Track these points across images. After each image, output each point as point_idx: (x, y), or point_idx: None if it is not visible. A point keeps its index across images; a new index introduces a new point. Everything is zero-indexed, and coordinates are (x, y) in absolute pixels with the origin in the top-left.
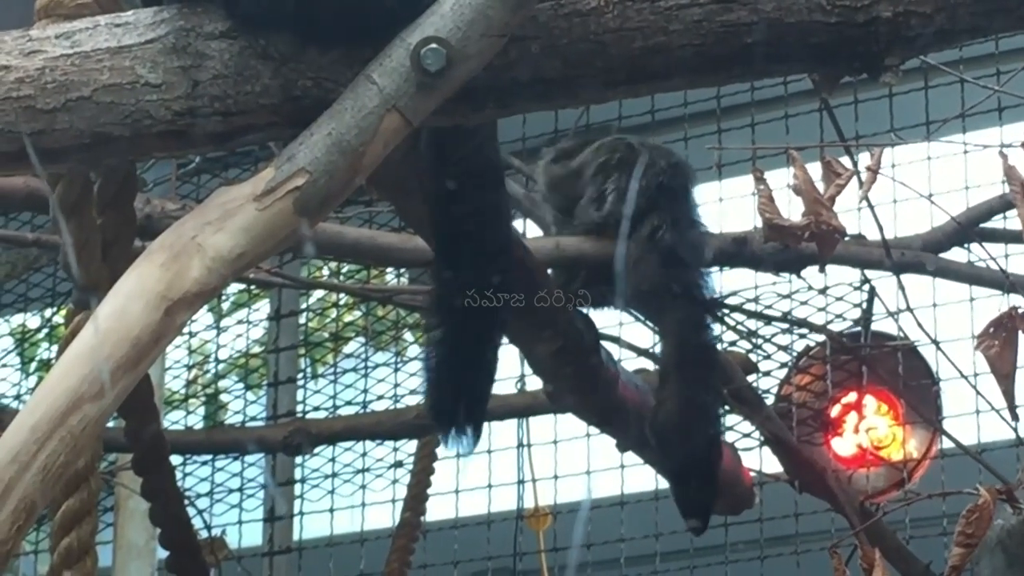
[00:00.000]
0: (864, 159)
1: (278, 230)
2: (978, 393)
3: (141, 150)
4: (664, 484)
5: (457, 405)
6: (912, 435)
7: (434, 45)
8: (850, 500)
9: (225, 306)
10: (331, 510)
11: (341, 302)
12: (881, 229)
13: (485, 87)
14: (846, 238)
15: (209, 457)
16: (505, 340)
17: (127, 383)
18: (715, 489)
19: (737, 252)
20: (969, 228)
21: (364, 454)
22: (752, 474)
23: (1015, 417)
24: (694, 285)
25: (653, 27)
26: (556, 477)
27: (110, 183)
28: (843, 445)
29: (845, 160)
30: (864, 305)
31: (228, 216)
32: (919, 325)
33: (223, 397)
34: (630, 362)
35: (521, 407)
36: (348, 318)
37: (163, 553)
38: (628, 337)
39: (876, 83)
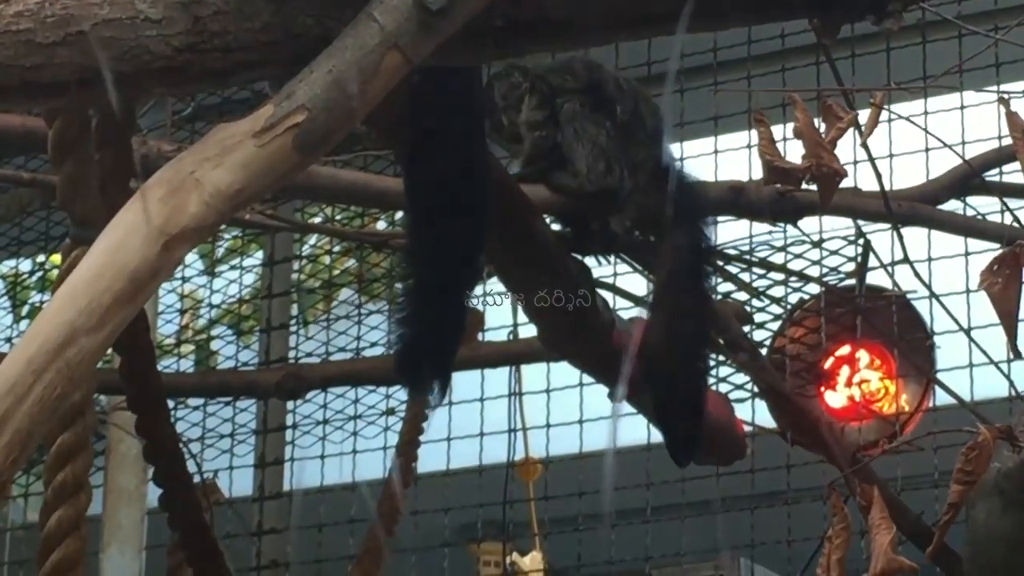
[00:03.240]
0: (862, 117)
1: (277, 167)
2: (973, 343)
3: (141, 86)
4: (657, 436)
5: (424, 358)
6: (905, 389)
7: None
8: (843, 451)
9: (219, 252)
10: (322, 456)
11: (334, 250)
12: (879, 177)
13: (487, 27)
14: (845, 183)
15: (201, 402)
16: (500, 287)
17: (123, 316)
18: (700, 421)
19: (733, 201)
20: (972, 177)
21: (356, 401)
22: (746, 427)
23: (1017, 355)
24: (698, 214)
25: None
26: (548, 426)
27: (108, 120)
28: (835, 398)
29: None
30: (859, 259)
31: (227, 152)
32: (916, 275)
33: (214, 344)
34: (625, 311)
35: (514, 355)
36: (340, 268)
37: (153, 499)
38: (623, 285)
39: (878, 28)
